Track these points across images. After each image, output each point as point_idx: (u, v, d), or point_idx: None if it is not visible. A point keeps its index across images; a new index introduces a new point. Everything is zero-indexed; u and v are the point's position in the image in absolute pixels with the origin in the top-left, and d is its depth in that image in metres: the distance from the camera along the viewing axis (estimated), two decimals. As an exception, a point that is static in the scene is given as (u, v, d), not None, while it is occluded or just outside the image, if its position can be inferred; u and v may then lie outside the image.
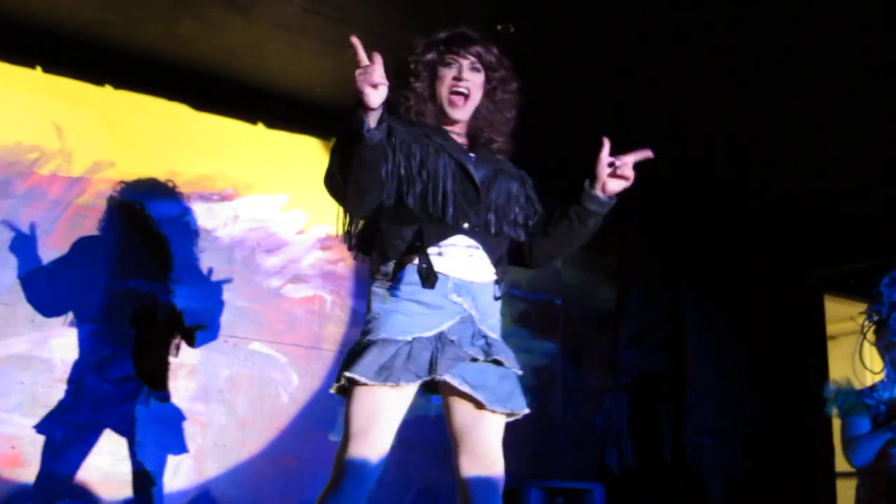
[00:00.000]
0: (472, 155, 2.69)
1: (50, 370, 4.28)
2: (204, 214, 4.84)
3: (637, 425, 6.28)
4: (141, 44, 4.59)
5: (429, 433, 4.99)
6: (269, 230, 5.02)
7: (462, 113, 2.70)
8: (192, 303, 4.68)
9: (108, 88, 4.72)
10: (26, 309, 4.28)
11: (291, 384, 4.88)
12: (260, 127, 5.11)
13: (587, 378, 6.18)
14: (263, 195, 5.04)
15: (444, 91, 2.68)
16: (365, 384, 2.40)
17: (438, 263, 2.54)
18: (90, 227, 4.52)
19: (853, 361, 4.01)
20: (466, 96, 2.69)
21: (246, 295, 4.87)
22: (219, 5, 4.24)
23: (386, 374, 2.39)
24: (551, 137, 5.43)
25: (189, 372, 4.62)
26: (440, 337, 2.48)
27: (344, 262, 5.15)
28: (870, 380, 3.99)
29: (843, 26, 4.12)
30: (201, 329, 4.66)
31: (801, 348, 6.78)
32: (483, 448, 2.55)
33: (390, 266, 2.56)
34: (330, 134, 4.84)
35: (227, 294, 4.81)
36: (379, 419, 2.43)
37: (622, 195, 2.79)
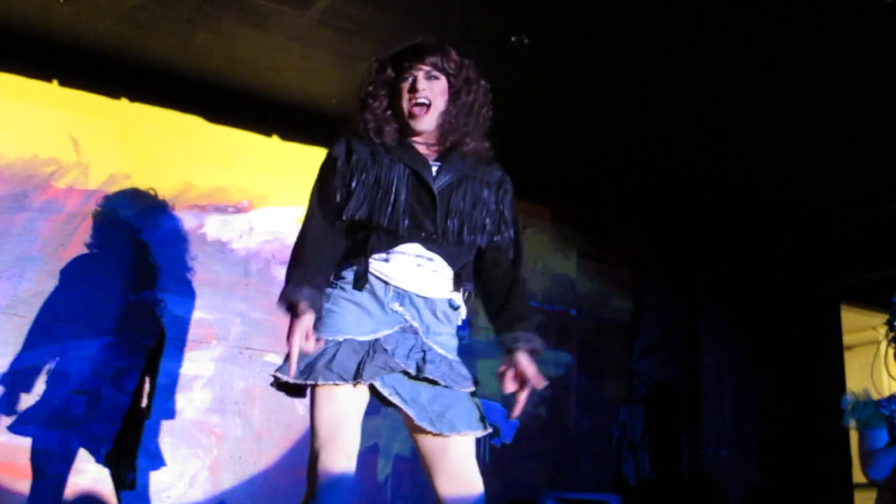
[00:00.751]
0: (435, 163, 2.66)
1: (66, 382, 4.29)
2: (219, 226, 4.86)
3: (653, 436, 6.26)
4: (157, 57, 4.61)
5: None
6: (285, 242, 5.02)
7: (425, 123, 2.68)
8: (207, 314, 4.69)
9: (124, 101, 4.75)
10: (43, 321, 4.30)
11: (307, 396, 4.87)
12: (275, 139, 5.13)
13: (602, 389, 6.16)
14: (278, 207, 5.04)
15: (404, 105, 2.67)
16: (320, 386, 2.42)
17: (382, 269, 2.54)
18: (106, 240, 4.54)
19: (871, 372, 3.99)
20: (427, 106, 2.67)
21: (261, 307, 4.87)
22: (234, 18, 4.25)
23: (307, 373, 2.41)
24: (560, 144, 5.44)
25: (205, 384, 4.63)
26: (374, 343, 2.47)
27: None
28: (888, 391, 3.95)
29: (864, 35, 4.10)
30: (218, 341, 4.68)
31: (818, 358, 6.75)
32: (456, 468, 2.53)
33: (341, 268, 2.59)
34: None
35: (243, 306, 4.82)
36: (344, 422, 2.42)
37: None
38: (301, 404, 4.86)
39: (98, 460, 4.27)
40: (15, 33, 4.40)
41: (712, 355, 6.56)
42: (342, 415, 2.42)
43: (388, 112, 2.68)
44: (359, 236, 2.58)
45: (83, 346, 4.37)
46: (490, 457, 5.06)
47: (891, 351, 3.94)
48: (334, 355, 2.43)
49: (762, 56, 4.32)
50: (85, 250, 4.47)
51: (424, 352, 2.52)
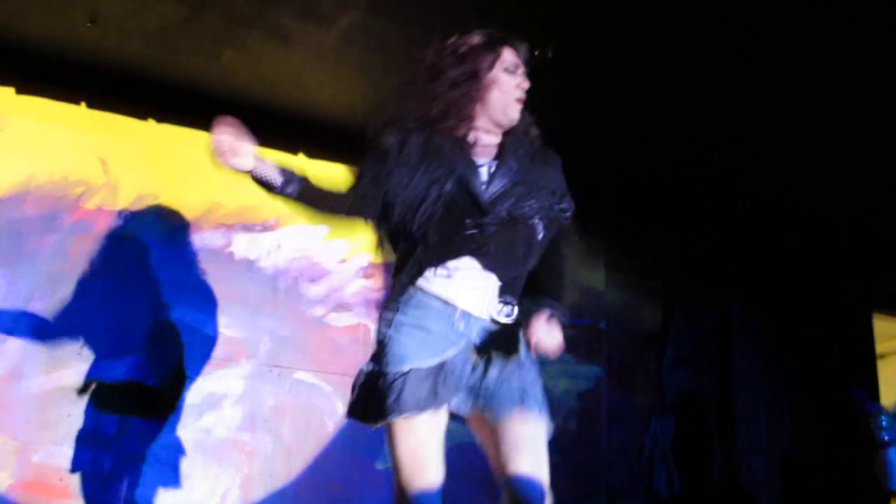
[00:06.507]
0: (491, 162, 2.57)
1: (97, 402, 4.32)
2: (247, 244, 4.88)
3: (685, 447, 6.21)
4: (182, 77, 4.64)
5: (473, 460, 4.96)
6: (312, 259, 5.04)
7: (519, 113, 2.63)
8: (236, 332, 4.71)
9: (151, 122, 4.78)
10: (73, 341, 4.33)
11: (337, 413, 4.88)
12: (301, 157, 5.13)
13: (633, 400, 6.12)
14: (306, 224, 5.04)
15: (506, 99, 2.61)
16: (396, 421, 2.34)
17: (445, 287, 2.46)
18: (135, 259, 4.57)
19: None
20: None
21: (290, 324, 4.89)
22: (259, 37, 4.28)
23: (385, 412, 2.33)
24: (585, 155, 5.41)
25: (234, 401, 4.64)
26: (442, 366, 2.39)
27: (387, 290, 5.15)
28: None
29: None
30: (247, 359, 4.69)
31: (850, 367, 6.68)
32: (512, 451, 2.39)
33: (398, 289, 2.51)
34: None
35: (272, 323, 4.83)
36: (425, 452, 2.37)
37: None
38: (331, 421, 4.86)
39: (129, 479, 4.28)
40: (43, 56, 4.44)
41: (744, 365, 6.50)
42: (424, 446, 2.37)
43: (466, 102, 2.58)
44: (408, 247, 2.51)
45: (113, 365, 4.39)
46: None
47: None
48: (402, 389, 2.33)
49: (794, 59, 4.30)
50: (114, 270, 4.50)
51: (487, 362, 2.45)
